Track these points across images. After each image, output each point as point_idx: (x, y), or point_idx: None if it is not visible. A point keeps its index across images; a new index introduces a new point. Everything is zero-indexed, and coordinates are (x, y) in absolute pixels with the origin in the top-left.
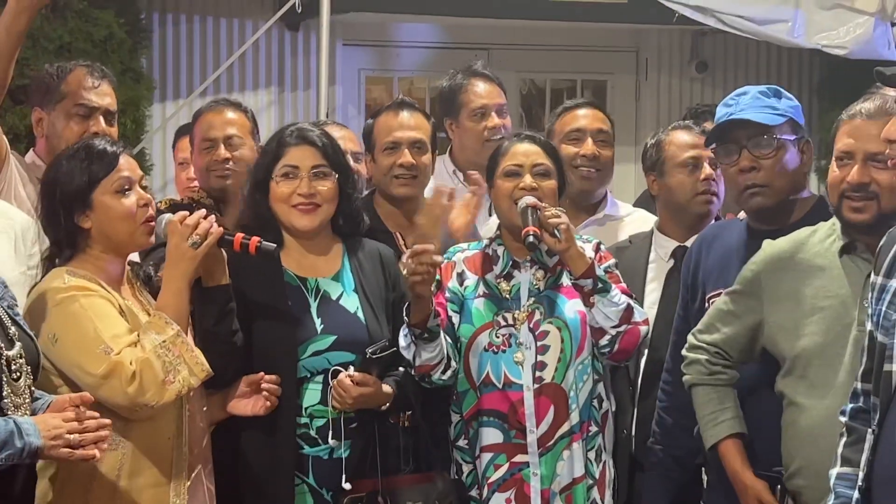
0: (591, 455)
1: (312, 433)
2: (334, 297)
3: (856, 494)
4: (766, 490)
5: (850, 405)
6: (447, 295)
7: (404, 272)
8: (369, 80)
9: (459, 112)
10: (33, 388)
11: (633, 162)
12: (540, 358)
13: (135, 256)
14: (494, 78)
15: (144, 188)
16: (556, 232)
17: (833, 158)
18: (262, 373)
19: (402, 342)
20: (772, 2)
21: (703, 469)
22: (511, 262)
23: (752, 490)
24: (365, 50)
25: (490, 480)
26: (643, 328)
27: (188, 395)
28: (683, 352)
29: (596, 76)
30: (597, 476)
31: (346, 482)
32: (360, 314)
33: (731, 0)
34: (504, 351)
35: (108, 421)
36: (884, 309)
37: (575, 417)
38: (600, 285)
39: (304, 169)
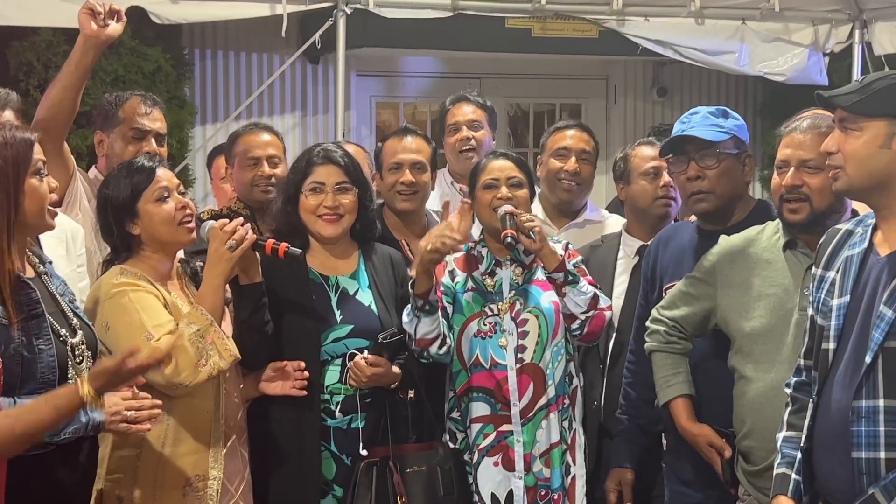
0: (565, 424)
1: (333, 407)
2: (351, 293)
3: (799, 454)
4: (713, 433)
5: (794, 379)
6: (441, 289)
7: (427, 245)
8: (379, 106)
9: (445, 130)
10: None
11: (603, 173)
12: (521, 342)
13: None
14: (475, 100)
15: (182, 194)
16: (530, 234)
17: (774, 167)
18: (285, 361)
19: (405, 319)
20: (721, 36)
21: (662, 435)
22: (494, 262)
23: (702, 436)
24: (375, 79)
25: (480, 447)
26: (607, 313)
27: (224, 376)
28: (647, 323)
29: (572, 100)
30: (569, 441)
31: (362, 449)
32: (374, 307)
33: (686, 34)
34: (490, 336)
35: (159, 402)
36: (822, 296)
37: (552, 392)
38: (570, 278)
39: (329, 185)
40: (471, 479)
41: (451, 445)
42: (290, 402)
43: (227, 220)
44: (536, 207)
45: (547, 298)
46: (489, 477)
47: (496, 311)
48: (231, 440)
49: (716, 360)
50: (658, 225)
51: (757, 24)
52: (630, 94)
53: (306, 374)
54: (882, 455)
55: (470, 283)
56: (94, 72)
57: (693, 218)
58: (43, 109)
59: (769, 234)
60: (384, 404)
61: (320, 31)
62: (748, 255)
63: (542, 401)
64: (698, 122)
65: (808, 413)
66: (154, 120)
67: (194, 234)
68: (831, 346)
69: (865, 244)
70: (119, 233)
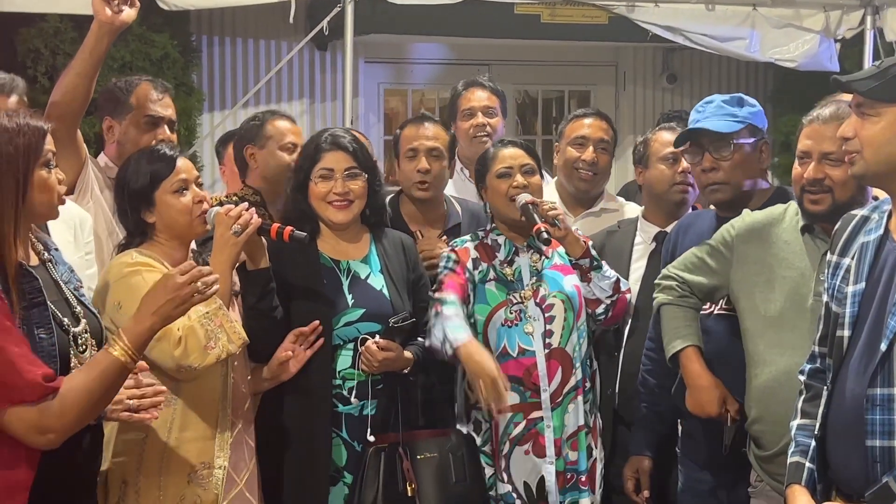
0: (587, 407)
1: (345, 393)
2: (363, 277)
3: (812, 442)
4: (727, 392)
5: (808, 366)
6: (466, 275)
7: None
8: (387, 93)
9: (457, 115)
10: None
11: (614, 160)
12: (548, 327)
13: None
14: (488, 85)
15: (200, 185)
16: (555, 222)
17: (796, 157)
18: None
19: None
20: (732, 22)
21: (678, 421)
22: (512, 249)
23: (718, 390)
24: (383, 66)
25: (511, 436)
26: (628, 296)
27: (232, 365)
28: (657, 280)
29: (581, 87)
30: (591, 426)
31: (370, 435)
32: (385, 291)
33: (696, 21)
34: (516, 325)
35: (163, 388)
36: (837, 283)
37: (578, 374)
38: (595, 263)
39: (339, 171)
40: (491, 471)
41: (475, 436)
42: (302, 387)
43: (231, 206)
44: (552, 195)
45: (569, 282)
46: (520, 466)
47: (520, 299)
48: (238, 429)
49: (731, 347)
50: (675, 211)
51: (768, 10)
52: (640, 80)
53: (319, 327)
54: None
55: (492, 273)
56: None
57: (712, 206)
58: (57, 96)
59: (791, 214)
60: (395, 390)
61: (328, 18)
62: (769, 233)
63: (570, 384)
64: (712, 112)
65: (823, 401)
66: (166, 106)
67: (208, 227)
68: (846, 333)
69: (881, 231)
70: (134, 218)
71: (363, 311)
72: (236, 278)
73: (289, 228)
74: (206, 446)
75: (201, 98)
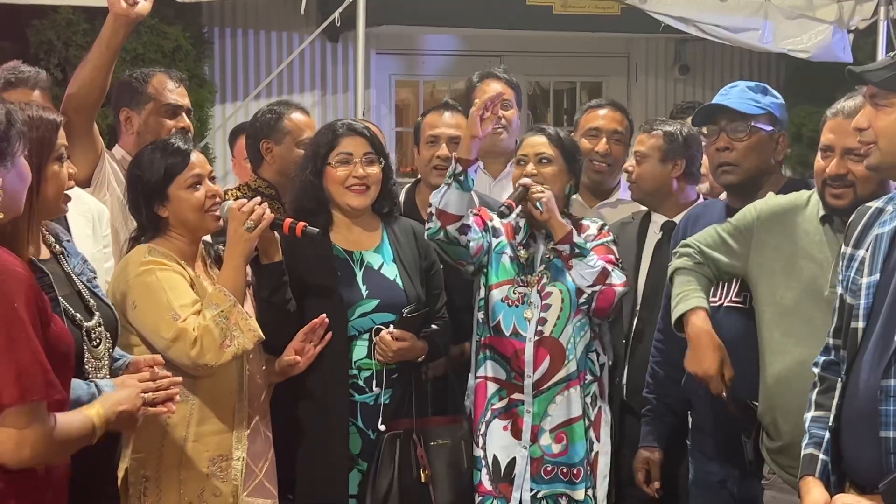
0: (588, 399)
1: (360, 383)
2: (376, 267)
3: (826, 434)
4: (725, 351)
5: (823, 358)
6: (485, 224)
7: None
8: (398, 84)
9: (472, 106)
10: (112, 352)
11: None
12: (542, 315)
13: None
14: (504, 77)
15: (213, 179)
16: (538, 205)
17: (818, 150)
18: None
19: (433, 197)
20: (744, 12)
21: (689, 413)
22: (529, 233)
23: (714, 350)
24: (395, 58)
25: (494, 407)
26: (619, 289)
27: (248, 358)
28: (677, 248)
29: (592, 79)
30: (592, 418)
31: (381, 423)
32: (399, 281)
33: (709, 11)
34: (518, 307)
35: (179, 378)
36: (852, 275)
37: (572, 367)
38: (577, 251)
39: (358, 155)
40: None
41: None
42: (319, 378)
43: (245, 201)
44: None
45: None
46: (496, 439)
47: (526, 283)
48: (255, 421)
49: (742, 340)
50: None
51: (780, 1)
52: (652, 72)
53: (326, 320)
54: None
55: (508, 250)
56: None
57: (723, 196)
58: (73, 89)
59: (814, 204)
60: (410, 378)
61: (340, 9)
62: (790, 220)
63: (561, 374)
64: (736, 94)
65: (837, 392)
66: (182, 95)
67: (221, 223)
68: (860, 324)
69: None
70: (147, 213)
71: (377, 301)
72: (249, 271)
73: (301, 224)
74: (224, 439)
75: (213, 90)
